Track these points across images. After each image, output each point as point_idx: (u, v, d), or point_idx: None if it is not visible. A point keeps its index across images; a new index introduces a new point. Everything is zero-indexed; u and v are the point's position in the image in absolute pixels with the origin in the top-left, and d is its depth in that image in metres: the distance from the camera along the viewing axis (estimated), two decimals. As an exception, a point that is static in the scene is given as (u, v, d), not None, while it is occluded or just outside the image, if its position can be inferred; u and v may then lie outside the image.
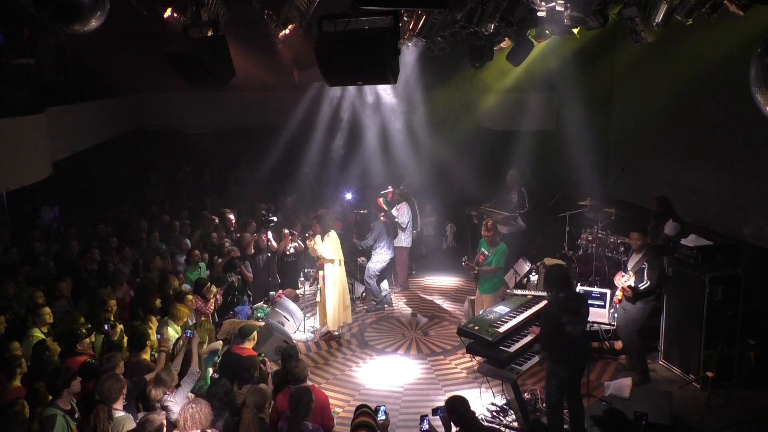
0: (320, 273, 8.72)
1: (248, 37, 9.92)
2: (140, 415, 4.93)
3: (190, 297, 7.52)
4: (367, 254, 10.33)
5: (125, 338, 6.24)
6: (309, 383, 5.49)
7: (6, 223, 10.55)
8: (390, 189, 10.64)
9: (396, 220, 10.26)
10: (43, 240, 9.47)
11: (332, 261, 8.59)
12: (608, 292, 7.61)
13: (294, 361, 5.61)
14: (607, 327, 7.80)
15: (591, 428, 5.65)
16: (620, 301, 7.26)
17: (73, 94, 10.24)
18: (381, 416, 4.69)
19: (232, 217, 10.71)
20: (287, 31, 9.08)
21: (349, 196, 11.79)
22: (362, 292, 10.39)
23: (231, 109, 14.01)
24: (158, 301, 7.15)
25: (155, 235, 9.65)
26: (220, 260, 9.17)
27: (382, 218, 9.87)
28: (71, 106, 10.13)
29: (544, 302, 7.10)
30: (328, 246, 8.56)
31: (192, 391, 5.35)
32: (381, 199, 10.20)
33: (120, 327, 6.39)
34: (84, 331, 5.85)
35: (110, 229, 10.11)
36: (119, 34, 9.77)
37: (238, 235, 10.07)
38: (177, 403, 4.93)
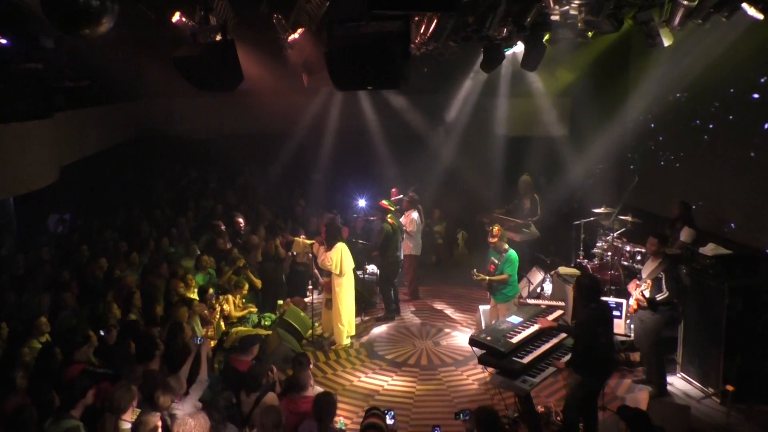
0: (326, 279, 8.79)
1: (257, 42, 9.96)
2: None
3: (196, 303, 7.59)
4: (377, 261, 10.33)
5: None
6: (316, 390, 5.52)
7: (13, 229, 10.65)
8: (404, 195, 10.63)
9: (403, 228, 10.23)
10: (51, 246, 9.54)
11: (339, 272, 8.64)
12: (624, 302, 7.55)
13: (302, 368, 5.64)
14: (623, 338, 7.75)
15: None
16: (635, 310, 7.21)
17: (80, 99, 10.34)
18: (390, 421, 4.79)
19: (241, 220, 10.75)
20: (296, 36, 9.13)
21: (362, 202, 11.77)
22: (374, 299, 10.40)
23: (239, 115, 14.09)
24: (159, 309, 7.19)
25: (164, 241, 9.69)
26: (227, 267, 9.20)
27: (389, 220, 9.86)
28: (78, 112, 10.23)
29: (559, 312, 7.09)
30: (336, 257, 8.61)
31: (201, 399, 5.35)
32: (385, 201, 10.13)
33: (116, 332, 6.43)
34: (81, 338, 5.87)
35: (117, 234, 10.17)
36: (127, 39, 9.86)
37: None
38: (184, 411, 4.94)
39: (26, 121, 7.72)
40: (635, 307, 7.17)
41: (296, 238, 9.55)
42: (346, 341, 8.84)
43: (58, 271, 8.23)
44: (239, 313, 8.66)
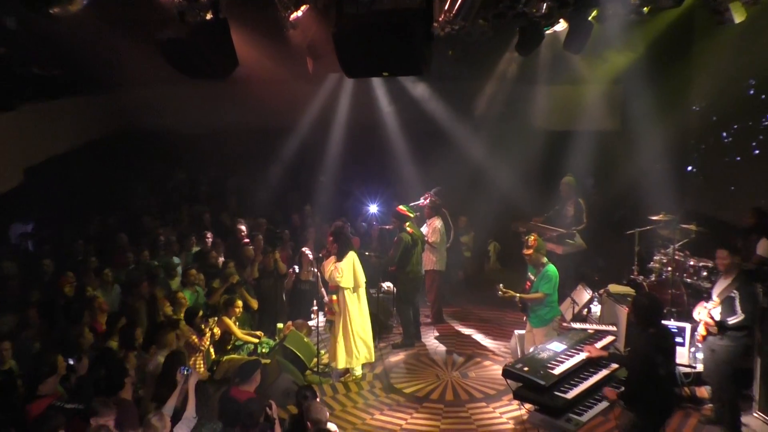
0: (333, 297, 8.73)
1: (254, 21, 10.01)
2: None
3: (183, 325, 7.60)
4: (393, 277, 10.29)
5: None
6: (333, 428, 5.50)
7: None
8: (424, 200, 10.59)
9: (425, 238, 10.18)
10: (14, 260, 9.61)
11: (350, 287, 8.60)
12: (687, 326, 7.44)
13: (310, 402, 5.61)
14: (688, 369, 7.63)
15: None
16: (704, 338, 7.07)
17: (49, 88, 10.41)
18: None
19: (243, 228, 10.75)
20: (300, 14, 9.16)
21: (374, 208, 11.74)
22: (390, 322, 10.36)
23: (233, 107, 14.17)
24: (139, 332, 7.21)
25: (145, 254, 9.72)
26: (220, 284, 9.19)
27: (408, 229, 9.79)
28: (47, 103, 10.30)
29: (609, 338, 7.00)
30: (348, 268, 8.57)
31: None
32: (403, 207, 10.05)
33: (87, 361, 6.45)
34: (48, 368, 5.88)
35: (91, 247, 10.21)
36: (103, 19, 9.93)
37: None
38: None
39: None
40: (704, 333, 7.02)
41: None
42: (358, 371, 8.81)
43: (24, 289, 8.28)
44: (246, 337, 8.69)
